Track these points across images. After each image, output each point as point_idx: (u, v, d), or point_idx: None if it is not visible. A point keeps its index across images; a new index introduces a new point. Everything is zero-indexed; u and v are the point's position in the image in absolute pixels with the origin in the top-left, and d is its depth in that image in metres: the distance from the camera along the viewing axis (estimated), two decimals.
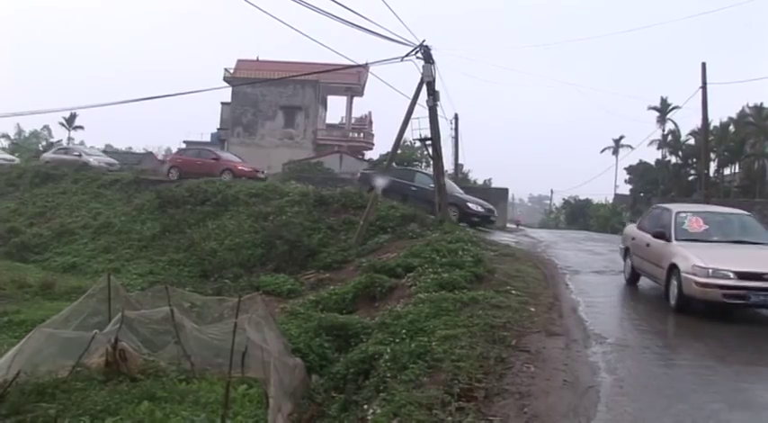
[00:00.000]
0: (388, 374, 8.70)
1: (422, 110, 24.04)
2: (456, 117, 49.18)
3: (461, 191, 30.76)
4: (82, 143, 52.52)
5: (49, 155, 43.45)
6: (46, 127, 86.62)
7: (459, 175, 52.79)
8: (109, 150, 65.17)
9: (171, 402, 9.61)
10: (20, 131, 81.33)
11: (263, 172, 36.03)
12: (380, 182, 25.40)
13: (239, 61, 59.98)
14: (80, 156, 40.60)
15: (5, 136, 74.86)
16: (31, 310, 16.81)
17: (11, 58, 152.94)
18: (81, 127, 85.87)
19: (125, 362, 10.85)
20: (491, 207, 29.32)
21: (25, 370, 9.87)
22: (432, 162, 26.55)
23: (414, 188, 27.99)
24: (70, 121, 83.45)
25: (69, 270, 23.98)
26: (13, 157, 45.74)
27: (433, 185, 25.82)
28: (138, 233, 26.53)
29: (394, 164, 29.29)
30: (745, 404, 7.51)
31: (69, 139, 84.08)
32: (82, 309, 11.75)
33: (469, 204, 27.62)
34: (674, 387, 7.95)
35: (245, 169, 34.62)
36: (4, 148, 58.15)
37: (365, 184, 28.78)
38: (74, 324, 11.34)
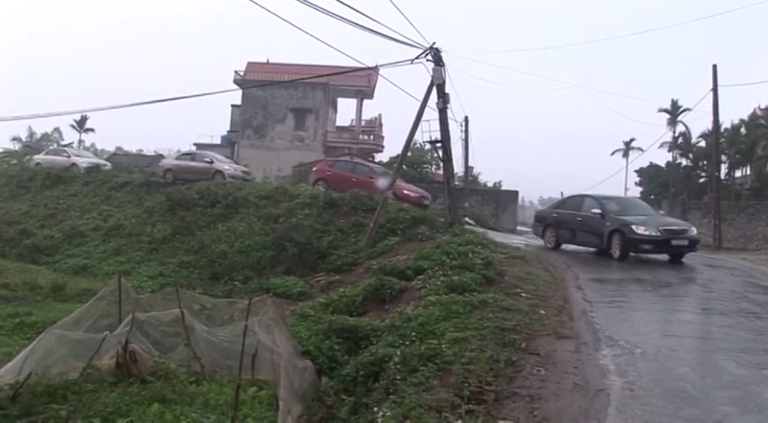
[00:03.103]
0: (398, 377, 8.69)
1: (432, 112, 24.11)
2: (466, 119, 49.17)
3: (644, 209, 22.80)
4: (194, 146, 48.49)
5: (169, 161, 37.77)
6: (57, 129, 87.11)
7: (470, 178, 52.76)
8: (119, 153, 65.41)
9: (181, 404, 9.62)
10: (31, 134, 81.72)
11: (428, 199, 30.89)
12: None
13: (249, 64, 60.08)
14: (212, 163, 34.92)
15: (17, 139, 75.20)
16: (43, 312, 16.89)
17: (23, 61, 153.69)
18: (92, 129, 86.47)
19: (135, 364, 10.87)
20: (681, 225, 21.58)
21: (37, 371, 9.90)
22: (442, 164, 26.52)
23: (579, 219, 21.99)
24: (81, 124, 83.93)
25: (80, 272, 24.11)
26: (106, 162, 42.10)
27: (597, 211, 21.14)
28: (149, 235, 26.64)
29: (565, 196, 27.24)
30: (759, 407, 7.45)
31: (80, 141, 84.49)
32: (93, 311, 11.80)
33: (635, 227, 19.95)
34: (686, 390, 7.91)
35: (411, 194, 29.44)
36: (80, 149, 54.07)
37: (540, 224, 24.54)
38: (84, 326, 11.38)
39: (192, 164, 35.18)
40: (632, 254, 20.29)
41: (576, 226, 22.13)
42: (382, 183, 28.38)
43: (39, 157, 41.65)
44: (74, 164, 38.23)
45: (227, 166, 35.19)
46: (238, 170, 35.52)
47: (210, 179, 32.50)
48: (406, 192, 29.18)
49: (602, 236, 20.71)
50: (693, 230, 21.16)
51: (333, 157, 39.44)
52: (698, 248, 21.12)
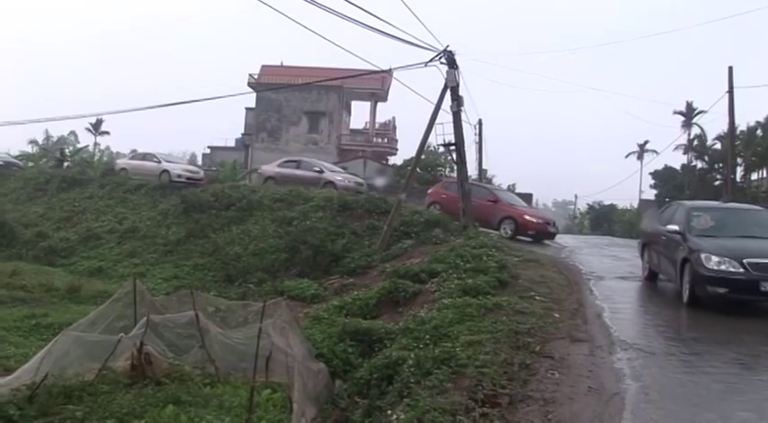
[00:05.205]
0: (412, 380, 8.69)
1: (446, 115, 24.03)
2: (480, 122, 49.18)
3: (759, 229, 14.21)
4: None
5: (271, 168, 34.37)
6: (72, 132, 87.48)
7: (484, 180, 52.69)
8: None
9: (195, 406, 9.67)
10: (48, 137, 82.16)
11: (554, 224, 27.16)
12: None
13: (263, 67, 60.35)
14: (322, 172, 32.51)
15: (34, 141, 75.59)
16: (59, 314, 17.00)
17: (38, 65, 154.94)
18: (107, 132, 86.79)
19: (150, 365, 10.94)
20: None
21: (53, 372, 9.99)
22: (456, 167, 26.44)
23: (664, 237, 15.22)
24: (96, 127, 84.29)
25: (95, 274, 24.22)
26: (198, 169, 38.55)
27: (675, 227, 14.38)
28: (164, 238, 26.75)
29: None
30: None
31: (96, 144, 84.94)
32: (108, 312, 11.88)
33: (705, 256, 12.80)
34: (701, 395, 7.86)
35: (533, 221, 25.76)
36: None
37: (640, 242, 18.13)
38: (100, 327, 11.46)
39: (298, 172, 32.69)
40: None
41: (661, 248, 15.76)
42: (505, 205, 26.15)
43: (123, 162, 38.29)
44: (164, 170, 34.31)
45: (339, 176, 32.68)
46: (351, 181, 32.58)
47: (321, 189, 29.79)
48: (527, 217, 25.74)
49: (676, 264, 14.03)
50: None
51: (449, 179, 35.21)
52: None
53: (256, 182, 33.83)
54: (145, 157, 37.21)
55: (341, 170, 35.71)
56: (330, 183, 31.45)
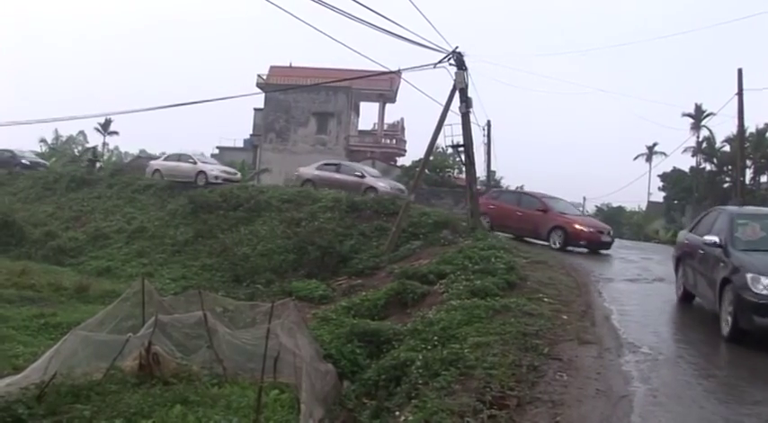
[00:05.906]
0: (420, 381, 8.68)
1: (454, 116, 23.98)
2: (489, 124, 48.99)
3: None
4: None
5: (309, 170, 33.13)
6: (81, 132, 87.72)
7: (492, 182, 52.63)
8: (143, 155, 65.93)
9: (203, 406, 9.68)
10: (57, 137, 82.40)
11: (609, 233, 24.82)
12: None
13: (272, 67, 60.30)
14: (363, 177, 31.16)
15: (44, 141, 75.91)
16: (67, 313, 17.08)
17: (48, 65, 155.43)
18: (116, 132, 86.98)
19: (158, 365, 10.96)
20: None
21: (61, 372, 10.02)
22: (464, 168, 26.39)
23: (701, 252, 12.67)
24: (105, 127, 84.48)
25: (104, 274, 24.32)
26: (235, 170, 36.47)
27: (714, 239, 11.49)
28: (172, 238, 26.83)
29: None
30: None
31: (104, 144, 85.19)
32: (116, 312, 11.90)
33: (752, 278, 10.14)
34: (710, 398, 7.83)
35: (585, 230, 23.70)
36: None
37: (675, 256, 15.20)
38: (108, 327, 11.49)
39: (338, 176, 31.54)
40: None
41: (697, 264, 12.97)
42: (555, 214, 24.32)
43: (157, 164, 36.69)
44: (201, 172, 32.92)
45: (381, 182, 31.59)
46: (394, 187, 31.31)
47: (362, 195, 28.88)
48: (578, 226, 23.93)
49: (715, 286, 11.28)
50: None
51: (497, 189, 33.87)
52: None
53: (294, 184, 32.86)
54: (180, 158, 35.71)
55: (381, 175, 34.51)
56: (371, 188, 30.33)
